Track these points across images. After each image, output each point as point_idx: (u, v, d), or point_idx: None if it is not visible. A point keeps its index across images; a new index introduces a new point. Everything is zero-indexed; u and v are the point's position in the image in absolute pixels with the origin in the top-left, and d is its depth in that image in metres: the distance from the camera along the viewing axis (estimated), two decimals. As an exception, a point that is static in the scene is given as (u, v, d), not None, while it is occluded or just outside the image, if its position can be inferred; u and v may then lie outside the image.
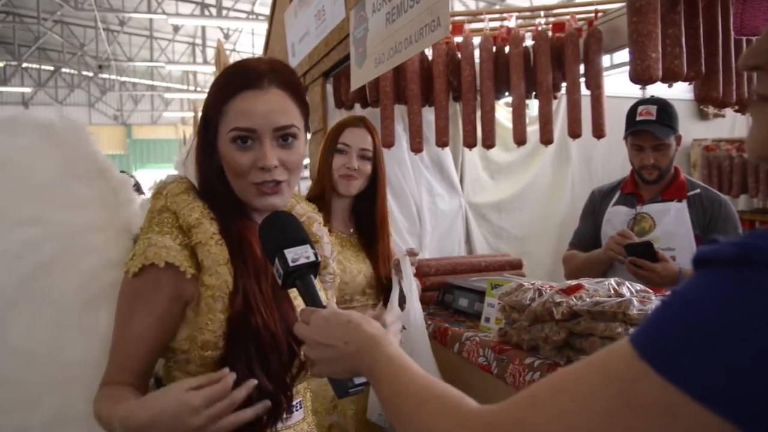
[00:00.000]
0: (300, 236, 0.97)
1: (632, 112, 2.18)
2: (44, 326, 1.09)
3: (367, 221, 1.84)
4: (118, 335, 1.02)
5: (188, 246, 1.01)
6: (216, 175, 1.08)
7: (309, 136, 3.39)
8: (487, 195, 3.94)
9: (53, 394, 1.09)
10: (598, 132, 2.98)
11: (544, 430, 0.51)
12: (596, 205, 2.38)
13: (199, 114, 1.19)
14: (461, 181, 3.86)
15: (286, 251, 0.94)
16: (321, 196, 1.77)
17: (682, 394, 0.44)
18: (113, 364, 1.01)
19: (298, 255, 0.94)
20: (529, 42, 3.19)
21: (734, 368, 0.42)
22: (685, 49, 2.23)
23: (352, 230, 1.84)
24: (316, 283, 0.98)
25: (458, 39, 3.22)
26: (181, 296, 1.01)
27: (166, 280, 1.00)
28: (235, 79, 1.05)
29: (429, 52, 3.22)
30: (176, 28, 21.48)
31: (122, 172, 5.52)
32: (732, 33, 1.91)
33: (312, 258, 0.95)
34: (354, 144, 1.76)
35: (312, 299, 0.94)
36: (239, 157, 1.03)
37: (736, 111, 2.80)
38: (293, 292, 1.08)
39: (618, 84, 3.64)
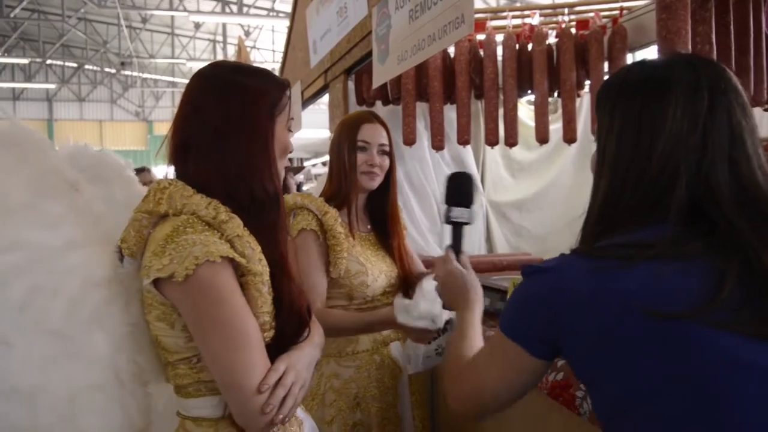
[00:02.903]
0: (468, 200, 1.36)
1: None
2: (38, 359, 1.01)
3: (381, 216, 1.84)
4: (235, 338, 1.00)
5: (227, 240, 1.03)
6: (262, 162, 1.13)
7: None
8: (508, 194, 3.91)
9: (62, 430, 1.03)
10: (623, 131, 2.93)
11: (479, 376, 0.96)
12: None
13: None
14: (482, 179, 3.84)
15: (454, 209, 1.35)
16: (338, 194, 1.75)
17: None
18: (253, 359, 1.01)
19: (460, 215, 1.36)
20: (552, 39, 3.16)
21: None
22: (715, 47, 2.19)
23: (369, 227, 1.83)
24: None
25: (481, 36, 3.20)
26: (238, 286, 1.03)
27: (226, 272, 1.00)
28: (279, 83, 1.17)
29: (451, 50, 3.20)
30: (197, 25, 21.67)
31: (143, 168, 5.55)
32: (764, 31, 1.87)
33: (465, 220, 1.36)
34: (373, 140, 1.75)
35: (456, 244, 1.35)
36: (288, 137, 1.20)
37: (765, 110, 2.74)
38: None
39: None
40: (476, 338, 1.12)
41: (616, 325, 0.78)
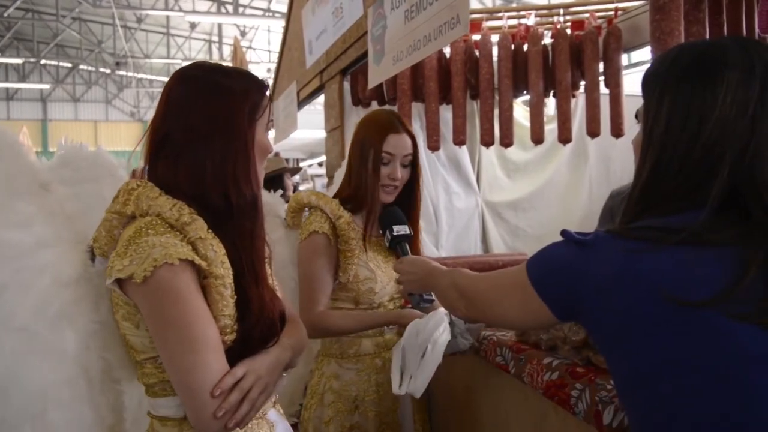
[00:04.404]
0: (403, 221, 1.66)
1: None
2: (7, 355, 1.03)
3: None
4: (191, 340, 0.99)
5: (189, 242, 1.03)
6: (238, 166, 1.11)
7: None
8: (503, 194, 3.93)
9: (30, 425, 1.05)
10: (617, 131, 2.95)
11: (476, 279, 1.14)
12: (616, 208, 2.35)
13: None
14: (478, 179, 3.85)
15: (394, 227, 1.63)
16: (354, 198, 1.72)
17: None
18: (208, 362, 0.99)
19: (400, 229, 1.64)
20: (547, 40, 3.17)
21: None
22: (708, 48, 2.20)
23: (381, 232, 1.76)
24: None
25: (476, 37, 3.21)
26: (199, 288, 1.03)
27: (184, 275, 1.00)
28: (259, 84, 1.16)
29: (447, 50, 3.22)
30: (193, 26, 21.63)
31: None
32: (757, 31, 1.88)
33: (407, 232, 1.65)
34: (397, 152, 1.68)
35: (404, 253, 1.60)
36: (268, 138, 1.20)
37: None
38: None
39: (637, 83, 3.60)
40: (463, 271, 1.22)
41: (639, 306, 0.80)
